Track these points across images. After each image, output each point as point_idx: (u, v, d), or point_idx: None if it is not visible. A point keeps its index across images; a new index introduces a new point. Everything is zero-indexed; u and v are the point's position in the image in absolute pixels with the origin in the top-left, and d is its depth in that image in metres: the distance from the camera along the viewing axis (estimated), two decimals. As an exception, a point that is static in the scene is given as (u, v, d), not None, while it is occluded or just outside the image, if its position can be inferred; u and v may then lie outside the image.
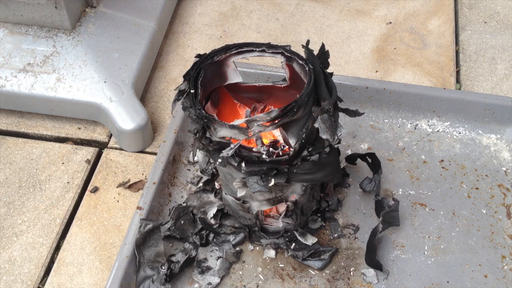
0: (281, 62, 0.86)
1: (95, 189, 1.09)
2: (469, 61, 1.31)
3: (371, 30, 1.38)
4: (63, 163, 1.13)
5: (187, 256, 0.94)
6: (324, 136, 0.81)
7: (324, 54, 0.84)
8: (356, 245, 0.98)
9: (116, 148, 1.16)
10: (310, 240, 0.96)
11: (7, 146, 1.15)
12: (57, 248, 1.02)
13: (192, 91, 0.81)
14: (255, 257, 0.97)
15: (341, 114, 0.86)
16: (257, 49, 0.85)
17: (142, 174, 1.11)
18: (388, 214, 0.94)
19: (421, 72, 1.28)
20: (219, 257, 0.96)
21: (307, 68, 0.81)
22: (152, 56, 1.27)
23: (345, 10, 1.43)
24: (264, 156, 0.80)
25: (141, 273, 0.92)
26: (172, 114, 0.94)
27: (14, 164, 1.12)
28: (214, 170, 1.05)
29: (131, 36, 1.22)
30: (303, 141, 0.81)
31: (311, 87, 0.79)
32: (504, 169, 1.07)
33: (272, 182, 0.82)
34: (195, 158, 1.07)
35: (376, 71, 1.29)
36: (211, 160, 1.05)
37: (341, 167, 1.03)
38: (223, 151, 0.79)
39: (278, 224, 0.97)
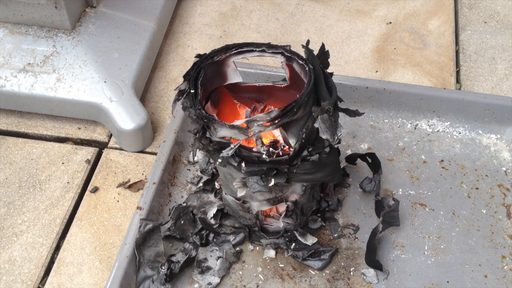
0: (281, 62, 0.86)
1: (95, 189, 1.09)
2: (469, 61, 1.31)
3: (371, 30, 1.38)
4: (63, 163, 1.13)
5: (187, 256, 0.94)
6: (324, 136, 0.81)
7: (324, 54, 0.84)
8: (356, 245, 0.98)
9: (116, 148, 1.16)
10: (310, 240, 0.96)
11: (7, 146, 1.15)
12: (57, 248, 1.02)
13: (192, 91, 0.81)
14: (255, 257, 0.97)
15: (341, 114, 0.86)
16: (257, 49, 0.85)
17: (142, 174, 1.11)
18: (388, 214, 0.94)
19: (421, 72, 1.28)
20: (219, 257, 0.96)
21: (307, 68, 0.81)
22: (152, 56, 1.27)
23: (345, 10, 1.43)
24: (264, 156, 0.80)
25: (141, 273, 0.92)
26: (172, 114, 0.94)
27: (14, 164, 1.12)
28: (214, 170, 1.05)
29: (131, 36, 1.22)
30: (303, 141, 0.81)
31: (311, 87, 0.79)
32: (504, 169, 1.07)
33: (272, 182, 0.82)
34: (195, 158, 1.07)
35: (376, 71, 1.29)
36: (211, 160, 1.05)
37: (341, 167, 1.03)
38: (223, 151, 0.79)
39: (278, 224, 0.97)
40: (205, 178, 1.05)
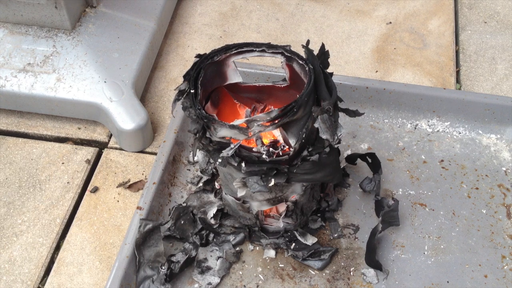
0: (281, 62, 0.86)
1: (95, 189, 1.09)
2: (469, 61, 1.31)
3: (371, 30, 1.38)
4: (63, 163, 1.13)
5: (187, 256, 0.94)
6: (324, 136, 0.81)
7: (324, 54, 0.84)
8: (356, 245, 0.98)
9: (116, 148, 1.16)
10: (310, 240, 0.96)
11: (7, 146, 1.15)
12: (57, 248, 1.02)
13: (192, 91, 0.81)
14: (255, 257, 0.97)
15: (341, 114, 0.86)
16: (257, 49, 0.85)
17: (142, 174, 1.11)
18: (388, 214, 0.94)
19: (421, 72, 1.28)
20: (219, 257, 0.96)
21: (307, 68, 0.81)
22: (152, 56, 1.27)
23: (345, 10, 1.43)
24: (264, 156, 0.80)
25: (141, 273, 0.92)
26: (172, 114, 0.94)
27: (14, 164, 1.12)
28: (214, 170, 1.05)
29: (131, 36, 1.22)
30: (303, 141, 0.81)
31: (311, 87, 0.79)
32: (504, 169, 1.07)
33: (272, 182, 0.82)
34: (195, 158, 1.07)
35: (376, 71, 1.29)
36: (211, 160, 1.05)
37: (341, 167, 1.03)
38: (223, 151, 0.79)
39: (278, 224, 0.97)
40: (205, 178, 1.05)
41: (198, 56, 0.85)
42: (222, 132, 0.78)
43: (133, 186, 1.09)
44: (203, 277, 0.94)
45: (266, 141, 0.89)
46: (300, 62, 0.83)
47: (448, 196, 1.03)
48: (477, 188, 1.05)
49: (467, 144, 1.11)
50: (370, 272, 0.94)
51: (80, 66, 1.15)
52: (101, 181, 1.10)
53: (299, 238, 0.96)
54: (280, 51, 0.84)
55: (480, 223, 1.00)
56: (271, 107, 0.94)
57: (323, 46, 0.85)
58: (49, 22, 1.18)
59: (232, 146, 0.79)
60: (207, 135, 0.82)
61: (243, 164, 0.81)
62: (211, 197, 1.01)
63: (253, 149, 0.81)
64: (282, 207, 0.94)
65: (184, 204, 1.00)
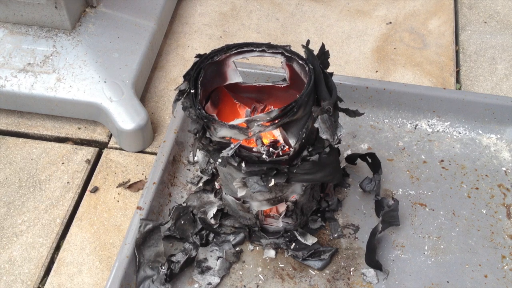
0: (281, 62, 0.86)
1: (95, 189, 1.09)
2: (469, 61, 1.31)
3: (371, 30, 1.38)
4: (63, 163, 1.13)
5: (187, 256, 0.94)
6: (324, 136, 0.81)
7: (324, 54, 0.84)
8: (356, 245, 0.98)
9: (116, 148, 1.16)
10: (310, 240, 0.96)
11: (7, 146, 1.15)
12: (57, 248, 1.02)
13: (192, 91, 0.81)
14: (255, 257, 0.97)
15: (341, 114, 0.86)
16: (257, 49, 0.85)
17: (142, 174, 1.11)
18: (388, 214, 0.94)
19: (421, 72, 1.28)
20: (219, 257, 0.96)
21: (307, 68, 0.81)
22: (152, 56, 1.27)
23: (345, 10, 1.43)
24: (264, 156, 0.80)
25: (141, 273, 0.92)
26: (172, 114, 0.94)
27: (14, 164, 1.12)
28: (214, 170, 1.05)
29: (131, 36, 1.22)
30: (303, 141, 0.81)
31: (311, 87, 0.79)
32: (504, 169, 1.07)
33: (272, 182, 0.82)
34: (195, 158, 1.07)
35: (376, 71, 1.29)
36: (211, 160, 1.05)
37: (341, 167, 1.03)
38: (223, 151, 0.79)
39: (278, 224, 0.97)
40: (205, 178, 1.05)
41: (198, 56, 0.85)
42: (222, 132, 0.78)
43: (133, 186, 1.09)
44: (203, 277, 0.94)
45: (266, 141, 0.89)
46: (300, 62, 0.83)
47: (448, 196, 1.03)
48: (477, 188, 1.04)
49: (467, 144, 1.11)
50: (370, 272, 0.94)
51: (80, 66, 1.15)
52: (101, 181, 1.10)
53: (299, 238, 0.96)
54: (280, 51, 0.84)
55: (480, 223, 1.00)
56: (271, 107, 0.94)
57: (323, 46, 0.85)
58: (49, 22, 1.18)
59: (232, 146, 0.79)
60: (207, 135, 0.82)
61: (243, 164, 0.81)
62: (211, 197, 1.01)
63: (253, 149, 0.81)
64: (282, 207, 0.94)
65: (184, 204, 1.00)
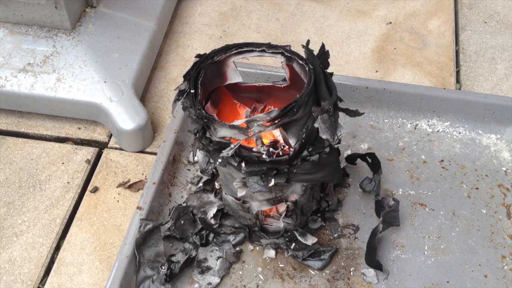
0: (281, 62, 0.86)
1: (95, 189, 1.09)
2: (469, 61, 1.31)
3: (371, 30, 1.38)
4: (63, 163, 1.13)
5: (187, 256, 0.94)
6: (324, 136, 0.81)
7: (324, 54, 0.84)
8: (356, 245, 0.98)
9: (116, 148, 1.16)
10: (310, 240, 0.96)
11: (7, 146, 1.15)
12: (57, 248, 1.02)
13: (192, 91, 0.81)
14: (255, 257, 0.97)
15: (341, 114, 0.86)
16: (257, 49, 0.85)
17: (142, 174, 1.11)
18: (388, 214, 0.94)
19: (421, 72, 1.28)
20: (219, 257, 0.96)
21: (307, 68, 0.81)
22: (152, 56, 1.27)
23: (345, 10, 1.43)
24: (264, 156, 0.80)
25: (141, 273, 0.92)
26: (172, 114, 0.94)
27: (14, 164, 1.12)
28: (214, 170, 1.05)
29: (131, 36, 1.22)
30: (303, 141, 0.81)
31: (311, 87, 0.79)
32: (504, 169, 1.07)
33: (272, 182, 0.82)
34: (195, 158, 1.07)
35: (376, 71, 1.29)
36: (211, 160, 1.05)
37: (341, 167, 1.03)
38: (223, 151, 0.79)
39: (278, 224, 0.97)
40: (205, 178, 1.05)
41: (198, 56, 0.85)
42: (222, 132, 0.78)
43: (133, 186, 1.09)
44: (203, 277, 0.94)
45: (266, 141, 0.89)
46: (300, 62, 0.83)
47: (448, 196, 1.03)
48: (477, 188, 1.04)
49: (467, 144, 1.11)
50: (370, 272, 0.94)
51: (80, 66, 1.15)
52: (101, 181, 1.10)
53: (299, 238, 0.96)
54: (280, 51, 0.84)
55: (480, 223, 1.00)
56: (271, 107, 0.94)
57: (323, 46, 0.85)
58: (49, 22, 1.18)
59: (232, 146, 0.79)
60: (207, 135, 0.82)
61: (243, 164, 0.81)
62: (211, 197, 1.01)
63: (253, 149, 0.81)
64: (282, 207, 0.94)
65: (184, 204, 1.00)
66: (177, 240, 0.98)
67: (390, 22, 1.40)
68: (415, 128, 1.13)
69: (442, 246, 0.97)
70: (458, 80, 1.28)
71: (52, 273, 0.98)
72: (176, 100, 0.83)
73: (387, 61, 1.31)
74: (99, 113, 1.13)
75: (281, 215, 0.95)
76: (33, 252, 1.01)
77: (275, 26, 1.40)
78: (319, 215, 1.00)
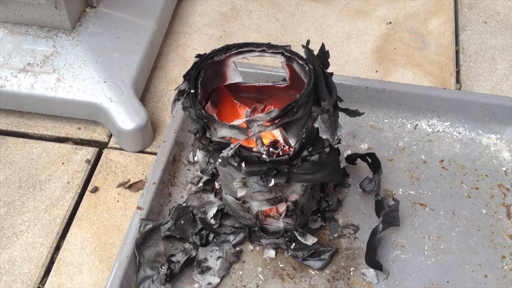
0: (281, 62, 0.86)
1: (95, 189, 1.09)
2: (469, 61, 1.31)
3: (371, 30, 1.38)
4: (63, 163, 1.13)
5: (187, 256, 0.94)
6: (324, 136, 0.81)
7: (324, 54, 0.84)
8: (356, 245, 0.98)
9: (116, 148, 1.16)
10: (310, 240, 0.96)
11: (7, 146, 1.15)
12: (57, 248, 1.02)
13: (192, 91, 0.81)
14: (255, 257, 0.97)
15: (341, 114, 0.86)
16: (257, 49, 0.85)
17: (142, 174, 1.11)
18: (388, 214, 0.94)
19: (421, 72, 1.28)
20: (219, 257, 0.96)
21: (307, 68, 0.81)
22: (152, 56, 1.27)
23: (345, 10, 1.43)
24: (264, 156, 0.80)
25: (141, 273, 0.92)
26: (172, 114, 0.94)
27: (14, 164, 1.12)
28: (214, 170, 1.05)
29: (131, 36, 1.22)
30: (303, 141, 0.81)
31: (311, 87, 0.79)
32: (504, 169, 1.07)
33: (272, 182, 0.82)
34: (195, 158, 1.07)
35: (376, 71, 1.29)
36: (211, 160, 1.05)
37: (341, 167, 1.03)
38: (223, 151, 0.79)
39: (278, 224, 0.97)
40: (205, 178, 1.05)
41: (198, 56, 0.85)
42: (222, 132, 0.78)
43: (133, 186, 1.09)
44: (203, 277, 0.94)
45: (266, 141, 0.89)
46: (300, 62, 0.83)
47: (448, 196, 1.03)
48: (477, 188, 1.04)
49: (467, 144, 1.11)
50: (370, 272, 0.94)
51: (80, 66, 1.15)
52: (101, 181, 1.10)
53: (299, 238, 0.96)
54: (280, 51, 0.84)
55: (480, 223, 1.00)
56: (271, 107, 0.94)
57: (323, 46, 0.85)
58: (49, 22, 1.18)
59: (232, 146, 0.79)
60: (207, 135, 0.82)
61: (243, 164, 0.81)
62: (211, 197, 1.01)
63: (253, 149, 0.81)
64: (282, 207, 0.94)
65: (184, 204, 1.00)
66: (177, 240, 0.98)
67: (390, 22, 1.40)
68: (415, 128, 1.13)
69: (442, 246, 0.97)
70: (458, 80, 1.28)
71: (52, 273, 0.98)
72: (176, 100, 0.83)
73: (387, 61, 1.31)
74: (99, 113, 1.13)
75: (281, 215, 0.95)
76: (33, 252, 1.01)
77: (275, 26, 1.40)
78: (319, 215, 1.00)
